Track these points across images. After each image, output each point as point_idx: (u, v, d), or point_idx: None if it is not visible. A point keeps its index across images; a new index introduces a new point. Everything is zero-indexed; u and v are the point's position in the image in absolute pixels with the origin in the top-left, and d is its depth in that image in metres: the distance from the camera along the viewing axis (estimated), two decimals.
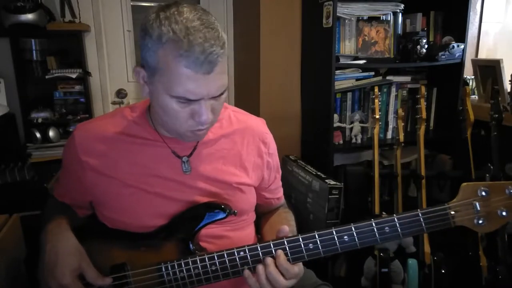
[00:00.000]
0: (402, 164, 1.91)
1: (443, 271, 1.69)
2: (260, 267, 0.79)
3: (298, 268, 0.81)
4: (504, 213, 0.79)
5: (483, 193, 0.79)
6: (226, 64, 0.79)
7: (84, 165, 0.88)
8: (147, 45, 0.74)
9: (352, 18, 1.94)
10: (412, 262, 1.68)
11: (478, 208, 0.79)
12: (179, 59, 0.72)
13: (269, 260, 0.79)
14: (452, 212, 0.79)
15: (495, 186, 0.80)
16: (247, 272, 0.80)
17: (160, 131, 0.90)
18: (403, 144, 1.86)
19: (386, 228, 0.80)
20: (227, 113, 0.98)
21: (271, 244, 0.81)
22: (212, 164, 0.92)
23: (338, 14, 1.82)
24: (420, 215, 0.79)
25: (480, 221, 0.79)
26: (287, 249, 0.81)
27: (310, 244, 0.81)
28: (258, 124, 1.02)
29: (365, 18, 1.98)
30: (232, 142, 0.96)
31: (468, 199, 0.80)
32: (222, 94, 0.79)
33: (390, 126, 2.11)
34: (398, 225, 0.80)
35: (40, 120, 2.00)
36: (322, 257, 0.81)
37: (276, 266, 0.79)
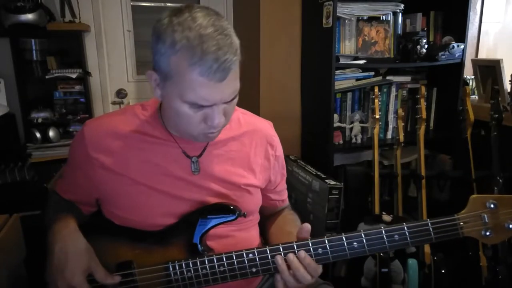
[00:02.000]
0: (402, 164, 1.90)
1: (443, 271, 1.69)
2: (282, 264, 0.80)
3: (320, 267, 0.83)
4: (511, 226, 0.81)
5: (492, 206, 0.81)
6: (238, 69, 0.79)
7: (94, 162, 0.88)
8: (160, 50, 0.74)
9: (352, 18, 1.94)
10: (412, 262, 1.68)
11: (486, 220, 0.81)
12: (193, 67, 0.72)
13: (291, 255, 0.80)
14: (461, 223, 0.81)
15: (503, 199, 0.82)
16: (279, 258, 0.80)
17: (171, 131, 0.90)
18: (403, 144, 1.86)
19: (396, 236, 0.81)
20: (236, 115, 0.99)
21: (281, 248, 0.81)
22: (221, 165, 0.93)
23: (338, 14, 1.82)
24: (430, 224, 0.81)
25: (488, 233, 0.81)
26: (297, 253, 0.81)
27: (320, 249, 0.81)
28: (266, 127, 1.03)
29: (365, 18, 1.98)
30: (241, 144, 0.96)
31: (476, 211, 0.82)
32: (234, 98, 0.81)
33: (390, 126, 2.11)
34: (407, 234, 0.81)
35: (40, 120, 2.00)
36: (330, 262, 0.82)
37: (304, 267, 0.79)
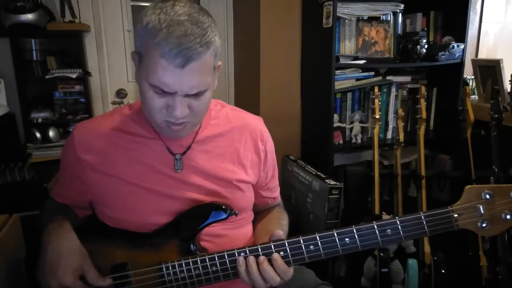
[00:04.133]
0: (402, 164, 1.90)
1: (443, 271, 1.69)
2: (251, 259, 0.80)
3: (292, 269, 0.82)
4: (508, 217, 0.78)
5: (487, 196, 0.78)
6: (210, 66, 0.79)
7: (84, 164, 0.88)
8: (138, 30, 0.77)
9: (352, 18, 1.94)
10: (412, 262, 1.68)
11: (482, 211, 0.78)
12: (156, 47, 0.73)
13: (262, 258, 0.80)
14: (455, 215, 0.79)
15: (499, 189, 0.79)
16: (241, 259, 0.80)
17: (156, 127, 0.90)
18: (403, 144, 1.86)
19: (388, 230, 0.79)
20: (225, 111, 0.99)
21: (272, 245, 0.81)
22: (210, 162, 0.92)
23: (338, 14, 1.82)
24: (423, 217, 0.79)
25: (484, 225, 0.78)
26: (288, 250, 0.81)
27: (311, 246, 0.80)
28: (256, 122, 1.02)
29: (365, 18, 1.98)
30: (230, 139, 0.96)
31: (471, 202, 0.79)
32: (200, 94, 0.79)
33: (390, 126, 2.11)
34: (400, 228, 0.79)
35: (40, 120, 2.00)
36: (323, 258, 0.81)
37: (274, 269, 0.79)
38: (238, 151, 0.96)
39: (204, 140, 0.93)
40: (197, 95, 0.79)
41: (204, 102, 0.82)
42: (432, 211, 0.79)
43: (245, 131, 0.98)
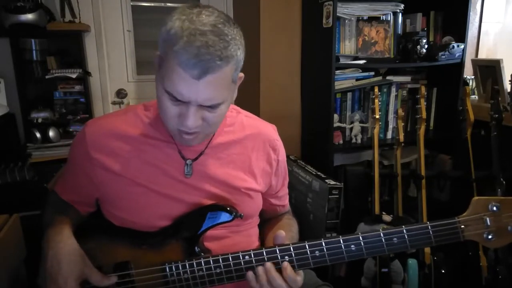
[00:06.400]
0: (402, 164, 1.91)
1: (443, 271, 1.69)
2: (260, 269, 0.79)
3: (301, 277, 0.81)
4: None
5: (494, 208, 0.79)
6: (228, 79, 0.77)
7: (94, 162, 0.87)
8: (161, 33, 0.76)
9: (352, 18, 1.94)
10: (412, 262, 1.68)
11: (489, 223, 0.79)
12: (174, 55, 0.72)
13: (268, 264, 0.79)
14: (462, 226, 0.79)
15: (507, 202, 0.79)
16: (250, 274, 0.80)
17: None
18: (403, 144, 1.86)
19: (395, 239, 0.79)
20: (240, 118, 0.98)
21: (277, 250, 0.81)
22: (221, 169, 0.92)
23: (338, 14, 1.82)
24: (430, 227, 0.79)
25: (490, 236, 0.79)
26: (293, 255, 0.80)
27: (317, 252, 0.80)
28: (270, 130, 1.02)
29: (365, 18, 1.98)
30: (243, 147, 0.95)
31: (478, 213, 0.79)
32: (214, 106, 0.78)
33: (390, 126, 2.11)
34: (406, 237, 0.79)
35: (40, 120, 1.99)
36: (327, 264, 0.81)
37: (283, 278, 0.79)
38: (250, 159, 0.96)
39: (218, 147, 0.93)
40: (211, 107, 0.78)
41: (219, 114, 0.81)
42: (439, 222, 0.79)
43: (259, 140, 0.98)
